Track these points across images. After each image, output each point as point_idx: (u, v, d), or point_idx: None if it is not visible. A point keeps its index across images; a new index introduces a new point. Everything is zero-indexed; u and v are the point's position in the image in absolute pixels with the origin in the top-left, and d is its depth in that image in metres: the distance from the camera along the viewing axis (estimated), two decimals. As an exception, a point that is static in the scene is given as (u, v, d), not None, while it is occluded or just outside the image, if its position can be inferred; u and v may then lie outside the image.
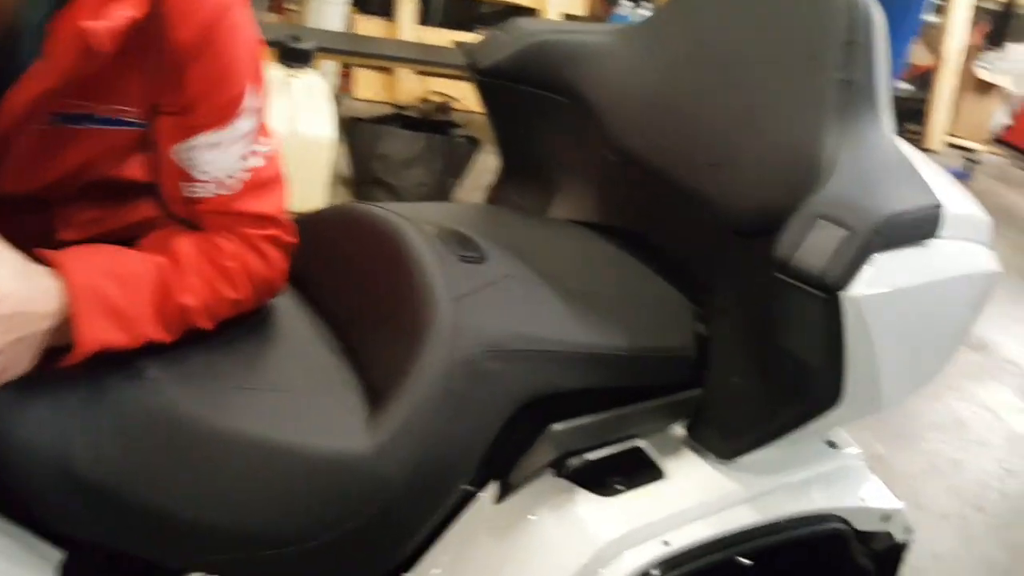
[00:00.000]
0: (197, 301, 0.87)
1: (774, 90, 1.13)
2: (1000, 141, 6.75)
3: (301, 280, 1.03)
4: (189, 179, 0.89)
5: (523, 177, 1.41)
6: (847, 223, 0.94)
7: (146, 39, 0.81)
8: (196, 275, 0.87)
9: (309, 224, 0.99)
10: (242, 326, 0.94)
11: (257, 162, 0.92)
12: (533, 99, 1.34)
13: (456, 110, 4.39)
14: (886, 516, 1.20)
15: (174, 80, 0.85)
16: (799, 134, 1.07)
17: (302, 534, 0.83)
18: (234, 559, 0.83)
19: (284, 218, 0.95)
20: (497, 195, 1.45)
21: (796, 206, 1.01)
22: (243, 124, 0.89)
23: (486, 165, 3.98)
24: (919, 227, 1.00)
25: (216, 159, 0.88)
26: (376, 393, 0.92)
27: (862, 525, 1.18)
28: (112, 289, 0.79)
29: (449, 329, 0.93)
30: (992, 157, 6.51)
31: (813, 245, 0.94)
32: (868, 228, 0.93)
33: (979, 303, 1.12)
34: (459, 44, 4.43)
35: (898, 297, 0.98)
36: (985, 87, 6.38)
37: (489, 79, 1.33)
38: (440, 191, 3.31)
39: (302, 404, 0.89)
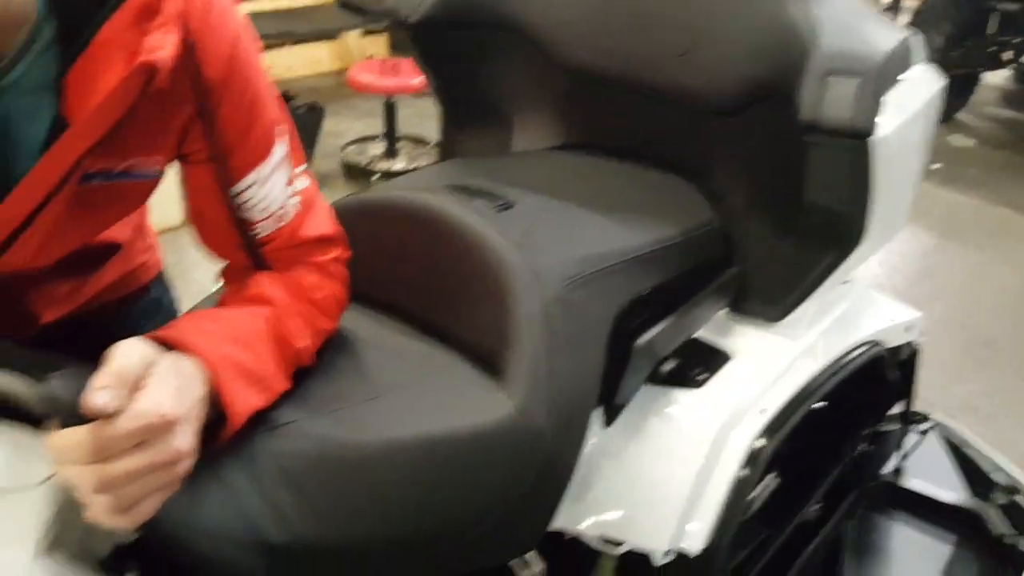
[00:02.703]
0: (307, 342, 0.84)
1: None
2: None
3: None
4: (247, 223, 0.84)
5: (476, 122, 1.40)
6: (856, 71, 1.00)
7: (176, 73, 0.74)
8: (297, 316, 0.84)
9: None
10: (326, 347, 0.91)
11: (302, 183, 0.87)
12: (472, 40, 1.32)
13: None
14: (909, 327, 1.32)
15: (205, 122, 0.78)
16: (765, 3, 1.12)
17: (483, 514, 0.83)
18: (436, 561, 0.82)
19: (341, 235, 0.92)
20: (451, 147, 1.42)
21: (786, 72, 1.07)
22: (280, 149, 0.84)
23: (332, 129, 3.87)
24: (904, 60, 1.08)
25: (268, 194, 0.83)
26: (487, 358, 0.91)
27: (892, 341, 1.29)
28: (242, 354, 0.75)
29: (528, 274, 0.93)
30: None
31: (833, 100, 1.00)
32: (876, 70, 1.00)
33: (938, 115, 1.23)
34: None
35: (903, 129, 1.06)
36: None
37: (422, 31, 1.30)
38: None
39: (431, 393, 0.88)
